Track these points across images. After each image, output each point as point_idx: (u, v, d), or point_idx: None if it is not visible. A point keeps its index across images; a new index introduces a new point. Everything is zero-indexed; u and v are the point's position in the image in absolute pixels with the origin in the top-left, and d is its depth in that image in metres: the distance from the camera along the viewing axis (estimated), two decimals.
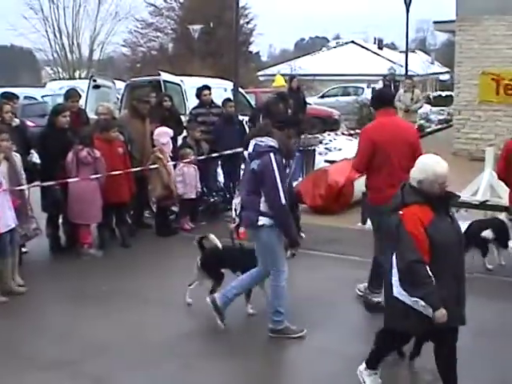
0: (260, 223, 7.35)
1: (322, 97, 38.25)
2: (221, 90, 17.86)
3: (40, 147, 10.71)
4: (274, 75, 21.20)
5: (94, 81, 19.40)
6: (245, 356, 7.25)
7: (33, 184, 10.22)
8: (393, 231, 5.75)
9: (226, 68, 35.42)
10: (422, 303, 5.61)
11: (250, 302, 8.19)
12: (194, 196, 12.33)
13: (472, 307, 6.10)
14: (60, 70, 55.44)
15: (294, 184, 12.68)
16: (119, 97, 19.65)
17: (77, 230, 10.82)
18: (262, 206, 7.33)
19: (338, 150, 20.24)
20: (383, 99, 8.62)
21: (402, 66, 34.38)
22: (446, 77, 54.36)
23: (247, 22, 51.92)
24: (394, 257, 5.80)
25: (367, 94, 31.72)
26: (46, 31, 53.71)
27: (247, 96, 21.58)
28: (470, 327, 6.00)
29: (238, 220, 7.98)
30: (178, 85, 19.00)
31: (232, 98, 15.27)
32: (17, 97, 11.56)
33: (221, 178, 14.10)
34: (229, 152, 13.09)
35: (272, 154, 7.26)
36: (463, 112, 20.91)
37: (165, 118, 13.08)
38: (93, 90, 18.97)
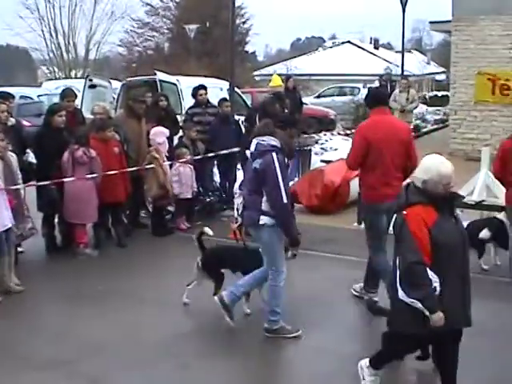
0: (261, 222, 7.35)
1: (318, 97, 38.24)
2: (217, 90, 17.86)
3: (36, 147, 10.70)
4: (270, 75, 21.19)
5: (90, 80, 19.40)
6: (242, 356, 7.26)
7: (28, 184, 10.21)
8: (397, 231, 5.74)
9: (222, 68, 35.43)
10: (420, 305, 5.61)
11: (248, 301, 8.18)
12: (189, 196, 12.32)
13: None
14: (56, 69, 55.30)
15: (290, 184, 12.67)
16: (115, 96, 19.63)
17: (73, 229, 10.80)
18: (264, 206, 7.33)
19: (334, 149, 20.20)
20: (378, 98, 8.65)
21: (398, 66, 34.38)
22: (442, 77, 54.45)
23: (243, 22, 51.98)
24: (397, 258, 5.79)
25: (363, 94, 31.63)
26: (42, 31, 53.67)
27: (243, 96, 21.59)
28: (467, 327, 5.99)
29: (240, 220, 7.97)
30: (174, 84, 18.99)
31: (228, 97, 15.28)
32: (12, 96, 11.55)
33: (217, 178, 14.09)
34: (225, 152, 13.09)
35: (274, 154, 7.26)
36: (459, 112, 20.93)
37: (161, 117, 13.07)
38: (89, 90, 18.97)
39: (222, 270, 8.32)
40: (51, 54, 54.99)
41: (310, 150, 16.61)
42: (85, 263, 10.34)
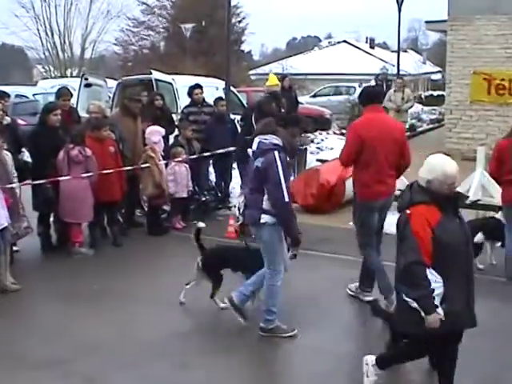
0: (262, 221, 7.34)
1: (314, 96, 38.22)
2: (212, 89, 17.83)
3: (31, 146, 10.68)
4: (266, 74, 21.20)
5: (86, 79, 19.35)
6: (238, 355, 7.25)
7: (24, 182, 10.20)
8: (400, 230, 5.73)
9: (217, 67, 35.37)
10: (415, 305, 5.60)
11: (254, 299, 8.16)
12: (185, 195, 12.32)
13: None
14: (51, 68, 55.21)
15: None
16: (111, 95, 19.62)
17: (68, 228, 10.79)
18: (265, 204, 7.32)
19: (330, 149, 20.23)
20: (371, 96, 8.68)
21: (393, 66, 34.42)
22: (438, 76, 54.50)
23: (239, 21, 51.94)
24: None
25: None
26: (38, 29, 53.53)
27: (239, 95, 21.57)
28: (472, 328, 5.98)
29: (241, 218, 7.97)
30: (170, 83, 18.96)
31: (224, 96, 15.28)
32: (8, 95, 11.53)
33: (212, 177, 14.09)
34: (220, 151, 13.09)
35: (276, 152, 7.25)
36: (455, 112, 20.94)
37: (156, 116, 13.07)
38: (84, 89, 18.92)
39: (222, 271, 8.31)
40: (47, 53, 54.90)
41: (306, 149, 16.60)
42: (80, 262, 10.32)
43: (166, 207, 12.60)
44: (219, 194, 13.57)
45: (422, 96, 43.54)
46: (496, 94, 20.06)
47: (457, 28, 20.72)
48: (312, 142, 19.92)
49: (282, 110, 12.93)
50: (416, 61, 57.69)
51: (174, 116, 14.42)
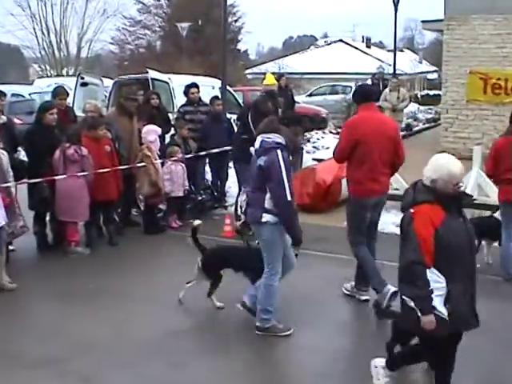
0: (263, 220, 7.34)
1: (310, 95, 38.21)
2: (209, 88, 17.83)
3: (27, 145, 10.68)
4: (262, 73, 21.25)
5: (82, 78, 19.35)
6: (233, 354, 7.26)
7: (20, 181, 10.19)
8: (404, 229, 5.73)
9: (214, 66, 35.35)
10: (412, 304, 5.60)
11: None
12: (181, 194, 12.32)
13: None
14: (48, 67, 55.23)
15: None
16: (107, 94, 19.60)
17: (64, 227, 10.78)
18: (267, 203, 7.31)
19: (326, 148, 20.19)
20: (365, 94, 8.71)
21: (390, 65, 34.45)
22: (434, 76, 54.51)
23: (235, 20, 51.93)
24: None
25: None
26: (34, 28, 53.60)
27: (235, 94, 21.57)
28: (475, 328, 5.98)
29: (243, 217, 7.96)
30: (166, 83, 18.95)
31: (220, 96, 15.27)
32: (4, 94, 11.51)
33: (208, 176, 14.08)
34: (216, 150, 13.09)
35: (279, 151, 7.25)
36: (451, 111, 20.97)
37: (152, 115, 13.07)
38: (80, 88, 18.91)
39: (222, 271, 8.30)
40: (43, 52, 54.95)
41: (302, 148, 16.60)
42: (76, 261, 10.32)
43: (162, 206, 12.60)
44: (215, 193, 13.56)
45: (418, 95, 43.56)
46: (492, 93, 20.10)
47: (453, 27, 20.74)
48: (308, 141, 19.90)
49: (279, 110, 12.95)
50: (412, 60, 57.74)
51: (170, 115, 14.42)
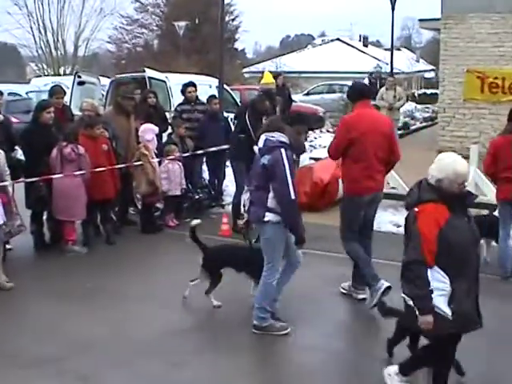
0: (266, 219, 7.34)
1: (307, 94, 38.24)
2: (206, 87, 17.83)
3: (24, 143, 10.66)
4: (260, 72, 21.23)
5: (79, 77, 19.33)
6: (231, 353, 7.24)
7: (17, 180, 10.17)
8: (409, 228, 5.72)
9: (211, 65, 35.35)
10: (411, 303, 5.60)
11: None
12: (178, 193, 12.31)
13: None
14: (45, 66, 55.17)
15: None
16: (104, 93, 19.58)
17: (61, 226, 10.77)
18: (270, 202, 7.31)
19: (323, 147, 20.19)
20: (361, 91, 8.72)
21: (387, 64, 34.44)
22: (431, 74, 54.56)
23: (233, 19, 51.96)
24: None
25: None
26: (31, 27, 53.49)
27: (232, 93, 21.57)
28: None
29: (246, 216, 7.96)
30: (163, 81, 18.94)
31: (217, 94, 15.27)
32: (1, 93, 11.50)
33: (205, 175, 14.08)
34: (214, 149, 13.08)
35: (283, 150, 7.25)
36: (448, 110, 20.99)
37: (150, 114, 13.05)
38: (77, 87, 18.90)
39: (223, 270, 8.30)
40: (40, 51, 54.88)
41: (305, 149, 16.57)
42: (73, 260, 10.31)
43: (160, 205, 12.59)
44: (212, 192, 13.57)
45: (416, 94, 43.57)
46: (489, 92, 20.13)
47: (450, 26, 20.76)
48: (305, 140, 19.84)
49: (277, 109, 12.95)
50: (409, 59, 57.73)
51: (167, 114, 14.40)
